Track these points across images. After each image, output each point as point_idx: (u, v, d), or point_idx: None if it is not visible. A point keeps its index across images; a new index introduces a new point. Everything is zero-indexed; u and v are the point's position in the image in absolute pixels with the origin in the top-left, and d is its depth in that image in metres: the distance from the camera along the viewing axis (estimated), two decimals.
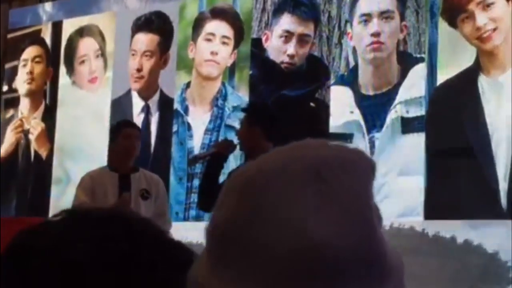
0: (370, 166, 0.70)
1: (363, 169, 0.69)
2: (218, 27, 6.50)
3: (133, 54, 6.96)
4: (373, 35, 5.63)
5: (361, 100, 5.65)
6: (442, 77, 5.33)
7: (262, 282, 0.64)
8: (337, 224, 0.64)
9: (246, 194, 0.67)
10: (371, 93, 5.63)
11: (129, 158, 4.91)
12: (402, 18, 5.55)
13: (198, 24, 6.61)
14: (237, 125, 6.10)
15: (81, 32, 7.37)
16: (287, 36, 6.09)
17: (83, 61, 7.32)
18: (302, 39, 6.03)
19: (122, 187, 4.82)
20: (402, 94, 5.45)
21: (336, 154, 0.69)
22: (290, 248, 0.63)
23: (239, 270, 0.65)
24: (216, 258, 0.67)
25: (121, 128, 4.99)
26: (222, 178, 4.70)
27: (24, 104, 7.68)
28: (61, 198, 7.07)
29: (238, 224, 0.66)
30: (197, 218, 6.16)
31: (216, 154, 4.65)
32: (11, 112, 7.77)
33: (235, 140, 4.77)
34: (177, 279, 0.77)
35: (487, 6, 5.19)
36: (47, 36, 7.63)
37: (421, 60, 5.42)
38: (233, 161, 5.56)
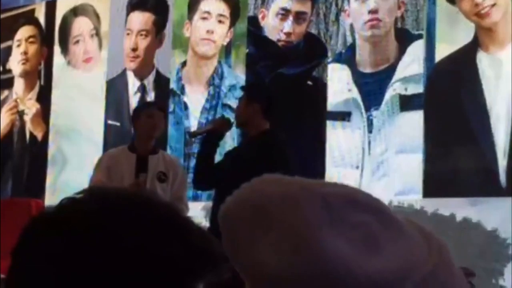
0: (316, 198, 0.71)
1: (306, 202, 0.71)
2: (214, 6, 6.44)
3: (128, 34, 6.91)
4: (370, 12, 5.59)
5: (359, 78, 5.61)
6: (440, 54, 5.30)
7: None
8: (284, 256, 0.69)
9: (224, 226, 0.76)
10: (369, 70, 5.60)
11: (149, 139, 4.85)
12: None
13: (193, 2, 6.55)
14: (234, 104, 6.06)
15: (75, 12, 7.31)
16: (284, 14, 6.04)
17: (77, 41, 7.26)
18: (299, 17, 5.98)
19: (139, 168, 4.78)
20: (400, 71, 5.42)
21: (280, 190, 0.72)
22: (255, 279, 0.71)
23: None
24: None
25: (145, 108, 4.97)
26: (218, 158, 4.68)
27: (19, 84, 7.63)
28: (57, 178, 7.04)
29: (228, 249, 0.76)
30: (195, 198, 6.14)
31: (212, 131, 4.63)
32: (5, 93, 7.72)
33: (232, 118, 4.74)
34: (196, 267, 0.77)
35: None
36: (41, 16, 7.56)
37: (419, 37, 5.38)
38: (230, 140, 5.54)
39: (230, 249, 0.73)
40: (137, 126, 4.92)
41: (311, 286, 0.69)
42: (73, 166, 6.87)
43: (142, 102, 6.72)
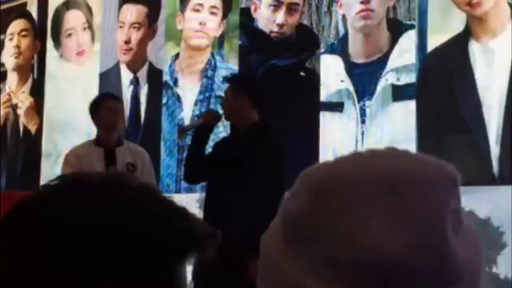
0: (451, 179, 0.69)
1: (441, 182, 0.68)
2: None
3: (121, 26, 6.91)
4: (362, 2, 5.59)
5: (352, 69, 5.62)
6: (432, 44, 5.31)
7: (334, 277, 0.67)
8: (407, 238, 0.65)
9: (321, 193, 0.69)
10: (361, 61, 5.61)
11: (112, 132, 4.85)
12: None
13: None
14: None
15: (67, 5, 7.30)
16: (276, 5, 6.04)
17: (70, 34, 7.25)
18: (291, 8, 5.99)
19: (108, 162, 4.79)
20: (393, 61, 5.43)
21: (414, 167, 0.68)
22: (357, 261, 0.66)
23: (313, 257, 0.68)
24: (291, 239, 0.70)
25: (102, 101, 4.92)
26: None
27: (12, 78, 7.62)
28: (51, 171, 7.04)
29: (312, 217, 0.69)
30: (189, 190, 6.15)
31: (202, 125, 4.61)
32: None
33: (221, 111, 4.74)
34: (177, 247, 0.77)
35: None
36: (33, 9, 7.55)
37: (411, 27, 5.40)
38: (224, 131, 5.54)
39: (323, 215, 0.68)
40: (99, 119, 4.87)
41: (419, 275, 0.66)
42: None
43: (135, 94, 6.73)
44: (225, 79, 5.13)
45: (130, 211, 0.77)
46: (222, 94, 6.12)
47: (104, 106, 4.82)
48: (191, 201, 5.84)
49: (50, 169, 7.06)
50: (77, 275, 0.75)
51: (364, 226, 0.66)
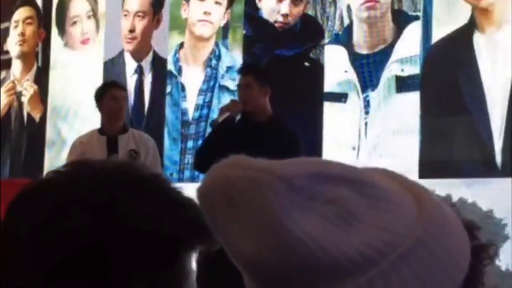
0: (278, 180, 0.68)
1: (268, 186, 0.68)
2: None
3: (125, 15, 6.90)
4: None
5: (356, 59, 5.62)
6: (437, 35, 5.30)
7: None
8: (258, 243, 0.67)
9: (201, 207, 0.74)
10: (365, 52, 5.60)
11: (116, 120, 4.88)
12: None
13: None
14: (231, 85, 6.07)
15: None
16: None
17: (74, 22, 7.25)
18: None
19: (110, 149, 4.82)
20: (397, 52, 5.42)
21: (244, 175, 0.69)
22: (241, 266, 0.69)
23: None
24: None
25: (106, 89, 4.94)
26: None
27: (16, 66, 7.63)
28: (56, 159, 7.05)
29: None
30: (192, 179, 6.16)
31: (230, 118, 4.55)
32: (3, 74, 7.72)
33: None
34: (185, 238, 0.78)
35: None
36: None
37: (416, 18, 5.39)
38: None
39: (212, 229, 0.72)
40: (102, 108, 4.91)
41: (284, 270, 0.67)
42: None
43: (139, 83, 6.73)
44: (247, 67, 4.99)
45: (137, 199, 0.78)
46: (226, 83, 6.14)
47: (107, 95, 4.85)
48: (194, 190, 5.85)
49: (54, 157, 7.07)
50: (84, 263, 0.75)
51: (228, 235, 0.69)
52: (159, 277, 0.78)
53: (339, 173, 0.71)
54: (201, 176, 5.89)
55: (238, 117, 4.61)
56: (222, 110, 4.71)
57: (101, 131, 4.92)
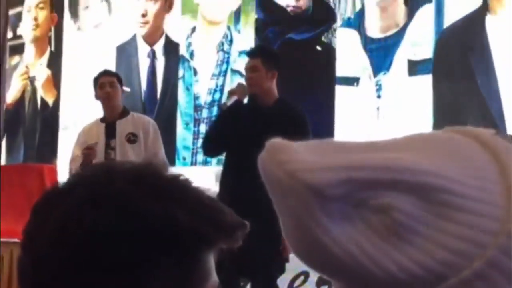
0: (310, 193, 0.60)
1: (299, 198, 0.61)
2: None
3: None
4: None
5: (368, 43, 5.61)
6: (449, 18, 5.29)
7: None
8: (291, 237, 0.63)
9: None
10: (377, 35, 5.59)
11: (109, 106, 4.97)
12: None
13: None
14: (243, 69, 6.08)
15: None
16: None
17: (87, 7, 7.27)
18: None
19: (107, 135, 4.91)
20: (409, 36, 5.41)
21: (276, 175, 0.62)
22: None
23: None
24: None
25: (98, 78, 5.05)
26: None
27: (29, 50, 7.66)
28: (69, 144, 7.09)
29: None
30: (204, 163, 6.19)
31: (238, 102, 4.54)
32: (16, 59, 7.76)
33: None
34: (207, 236, 0.80)
35: None
36: None
37: (429, 1, 5.37)
38: None
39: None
40: (97, 97, 5.06)
41: (330, 276, 0.61)
42: None
43: (152, 67, 6.75)
44: (254, 50, 4.93)
45: (160, 199, 0.80)
46: (238, 67, 6.14)
47: (99, 83, 4.97)
48: (206, 174, 5.88)
49: (68, 142, 7.11)
50: (108, 258, 0.78)
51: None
52: (181, 272, 0.80)
53: (391, 177, 0.58)
54: (213, 160, 5.92)
55: (245, 100, 4.62)
56: (230, 94, 4.72)
57: (102, 119, 5.05)
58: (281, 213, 0.62)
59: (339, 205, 0.59)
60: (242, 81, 4.80)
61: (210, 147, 4.68)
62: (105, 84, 4.97)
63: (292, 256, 4.17)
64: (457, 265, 0.57)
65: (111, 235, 0.78)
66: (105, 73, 5.20)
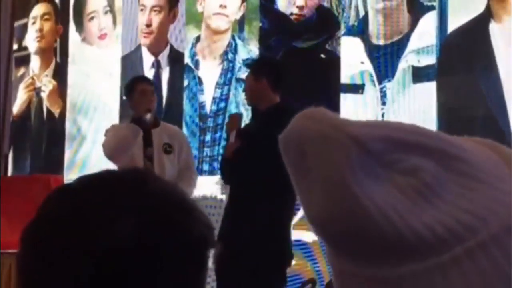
0: (350, 141, 0.63)
1: (339, 145, 0.63)
2: None
3: (141, 9, 6.94)
4: None
5: (372, 50, 5.63)
6: (453, 25, 5.30)
7: None
8: (319, 202, 0.64)
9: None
10: (381, 42, 5.61)
11: (147, 114, 4.93)
12: None
13: None
14: None
15: None
16: None
17: (92, 18, 7.30)
18: None
19: (145, 143, 4.89)
20: (413, 43, 5.43)
21: (316, 129, 0.65)
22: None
23: None
24: None
25: (135, 84, 5.00)
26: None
27: (35, 62, 7.69)
28: (75, 154, 7.11)
29: None
30: (210, 172, 6.20)
31: (238, 131, 4.57)
32: (22, 70, 7.79)
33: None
34: (208, 238, 0.89)
35: None
36: None
37: (432, 8, 5.39)
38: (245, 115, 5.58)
39: (292, 181, 0.68)
40: (133, 103, 4.97)
41: (349, 237, 0.62)
42: (90, 142, 6.95)
43: (157, 77, 6.78)
44: (245, 64, 5.17)
45: (164, 209, 0.87)
46: (243, 76, 6.16)
47: (137, 90, 4.91)
48: (212, 183, 5.90)
49: (74, 152, 7.14)
50: (128, 263, 0.83)
51: (299, 188, 0.66)
52: (191, 274, 0.88)
53: (419, 140, 0.63)
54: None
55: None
56: (227, 129, 4.74)
57: (136, 123, 4.94)
58: (310, 171, 0.64)
59: (372, 163, 0.62)
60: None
61: (227, 177, 4.67)
62: (146, 91, 4.92)
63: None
64: (476, 229, 0.61)
65: (133, 238, 0.83)
66: (146, 80, 5.18)
